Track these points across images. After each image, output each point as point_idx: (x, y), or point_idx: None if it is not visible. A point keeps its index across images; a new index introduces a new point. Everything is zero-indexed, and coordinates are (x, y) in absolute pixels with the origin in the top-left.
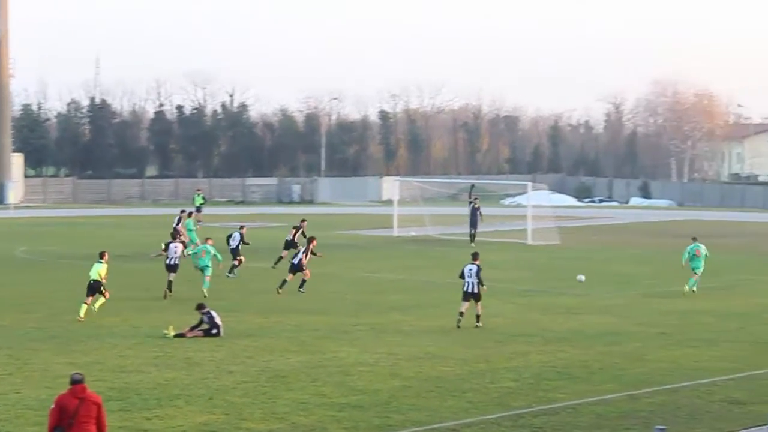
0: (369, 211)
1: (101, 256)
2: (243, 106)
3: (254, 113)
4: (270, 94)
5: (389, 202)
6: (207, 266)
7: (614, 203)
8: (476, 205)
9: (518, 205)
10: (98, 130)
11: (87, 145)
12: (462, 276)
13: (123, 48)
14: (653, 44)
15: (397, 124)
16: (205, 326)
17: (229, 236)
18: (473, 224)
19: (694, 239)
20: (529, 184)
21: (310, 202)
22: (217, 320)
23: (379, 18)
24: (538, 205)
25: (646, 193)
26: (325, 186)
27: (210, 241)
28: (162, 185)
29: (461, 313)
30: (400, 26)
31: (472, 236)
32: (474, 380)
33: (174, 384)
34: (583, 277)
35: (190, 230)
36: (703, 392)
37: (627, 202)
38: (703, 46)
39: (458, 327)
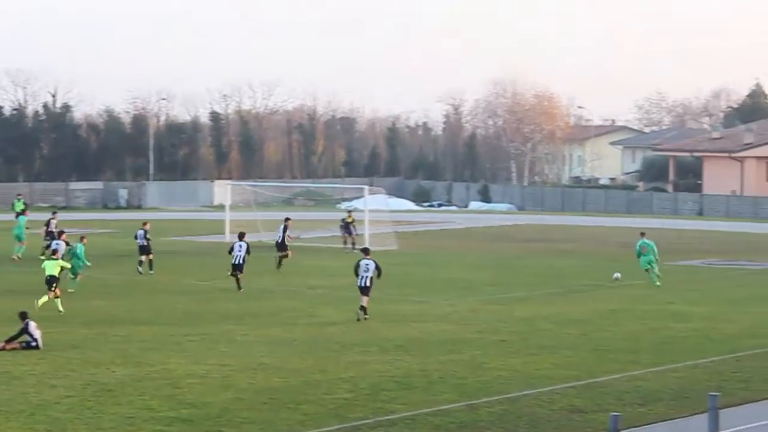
0: (200, 217)
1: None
2: (66, 107)
3: (78, 114)
4: (95, 93)
5: (221, 207)
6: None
7: (454, 207)
8: (349, 220)
9: (355, 210)
10: None
11: None
12: (356, 272)
13: None
14: (493, 42)
15: (228, 125)
16: (25, 338)
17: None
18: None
19: (642, 234)
20: (366, 187)
21: (138, 207)
22: (35, 332)
23: (209, 13)
24: (376, 210)
25: (486, 197)
26: (154, 190)
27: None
28: None
29: (362, 308)
30: (231, 23)
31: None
32: (309, 391)
33: None
34: (619, 275)
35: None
36: (544, 401)
37: (467, 206)
38: (542, 45)
39: (358, 320)
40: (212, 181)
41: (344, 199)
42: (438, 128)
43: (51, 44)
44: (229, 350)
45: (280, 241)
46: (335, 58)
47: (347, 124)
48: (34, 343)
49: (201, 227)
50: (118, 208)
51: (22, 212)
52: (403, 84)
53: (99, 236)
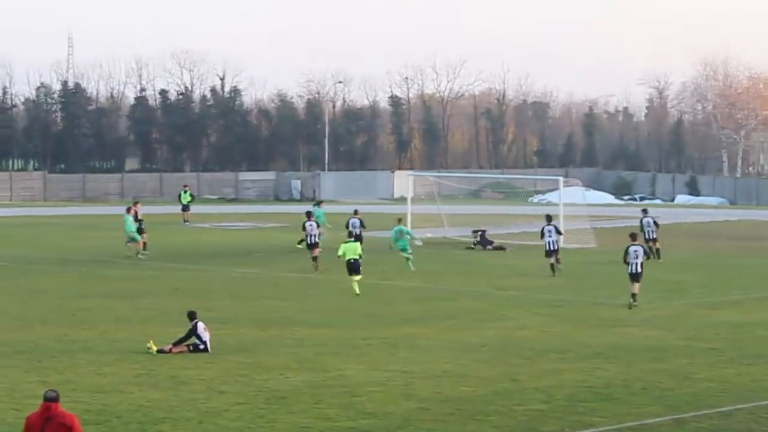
0: (379, 210)
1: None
2: (235, 91)
3: (248, 99)
4: (266, 77)
5: (402, 200)
6: None
7: (657, 201)
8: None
9: (548, 204)
10: (71, 119)
11: (59, 136)
12: (625, 259)
13: (99, 24)
14: (700, 20)
15: (410, 110)
16: (193, 340)
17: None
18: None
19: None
20: (561, 179)
21: (313, 200)
22: (204, 334)
23: None
24: (571, 204)
25: (693, 190)
26: (329, 181)
27: None
28: (144, 180)
29: (633, 295)
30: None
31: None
32: (499, 402)
33: (159, 406)
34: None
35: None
36: (761, 416)
37: (672, 200)
38: (757, 20)
39: (629, 308)
40: (392, 172)
41: (537, 192)
42: (640, 114)
43: (219, 24)
44: (410, 356)
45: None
46: (526, 37)
47: (540, 109)
48: (202, 346)
49: (380, 221)
50: (291, 200)
51: (187, 205)
52: (601, 65)
53: (271, 231)
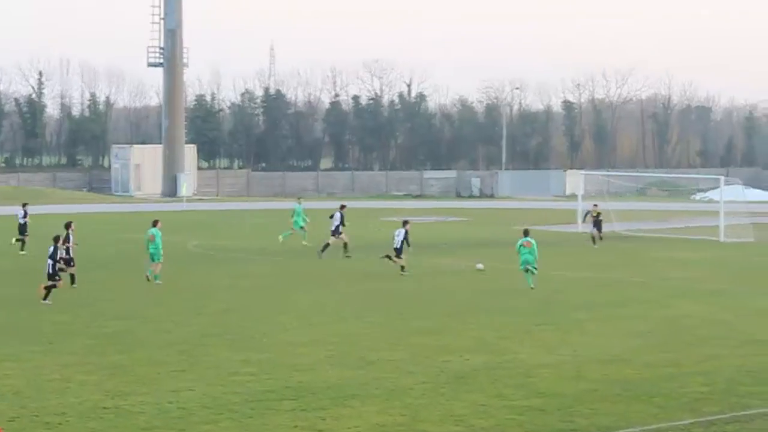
0: (552, 206)
1: None
2: (421, 96)
3: (432, 104)
4: (448, 83)
5: (573, 197)
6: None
7: None
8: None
9: (710, 201)
10: (272, 121)
11: (261, 137)
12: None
13: (298, 37)
14: None
15: (581, 114)
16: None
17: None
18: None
19: None
20: (722, 178)
21: (491, 196)
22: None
23: (563, 3)
24: (731, 201)
25: None
26: (506, 179)
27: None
28: (337, 178)
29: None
30: (585, 11)
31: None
32: (663, 384)
33: (349, 384)
34: (481, 265)
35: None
36: None
37: None
38: None
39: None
40: (564, 171)
41: (699, 190)
42: None
43: (406, 35)
44: (580, 340)
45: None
46: (690, 46)
47: (702, 113)
48: None
49: (553, 217)
50: (471, 196)
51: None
52: (762, 71)
53: (452, 224)
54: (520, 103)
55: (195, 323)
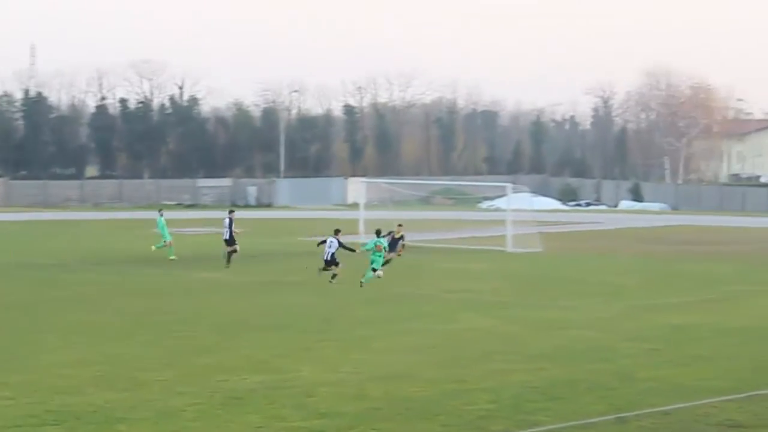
0: (333, 216)
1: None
2: (193, 100)
3: (206, 107)
4: (223, 86)
5: (355, 206)
6: None
7: (602, 207)
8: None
9: (497, 209)
10: (33, 126)
11: (21, 143)
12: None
13: (61, 34)
14: (645, 31)
15: (363, 119)
16: None
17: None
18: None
19: None
20: (509, 185)
21: (268, 206)
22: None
23: (342, 3)
24: (519, 209)
25: (637, 196)
26: (285, 188)
27: None
28: (104, 187)
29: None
30: (367, 12)
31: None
32: (447, 402)
33: (117, 406)
34: (380, 273)
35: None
36: (700, 414)
37: (616, 206)
38: (699, 33)
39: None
40: (346, 179)
41: (486, 198)
42: (586, 122)
43: (177, 34)
44: (363, 357)
45: (227, 237)
46: (475, 47)
47: (489, 118)
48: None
49: (334, 227)
50: (247, 206)
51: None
52: (548, 75)
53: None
54: (299, 107)
55: None
